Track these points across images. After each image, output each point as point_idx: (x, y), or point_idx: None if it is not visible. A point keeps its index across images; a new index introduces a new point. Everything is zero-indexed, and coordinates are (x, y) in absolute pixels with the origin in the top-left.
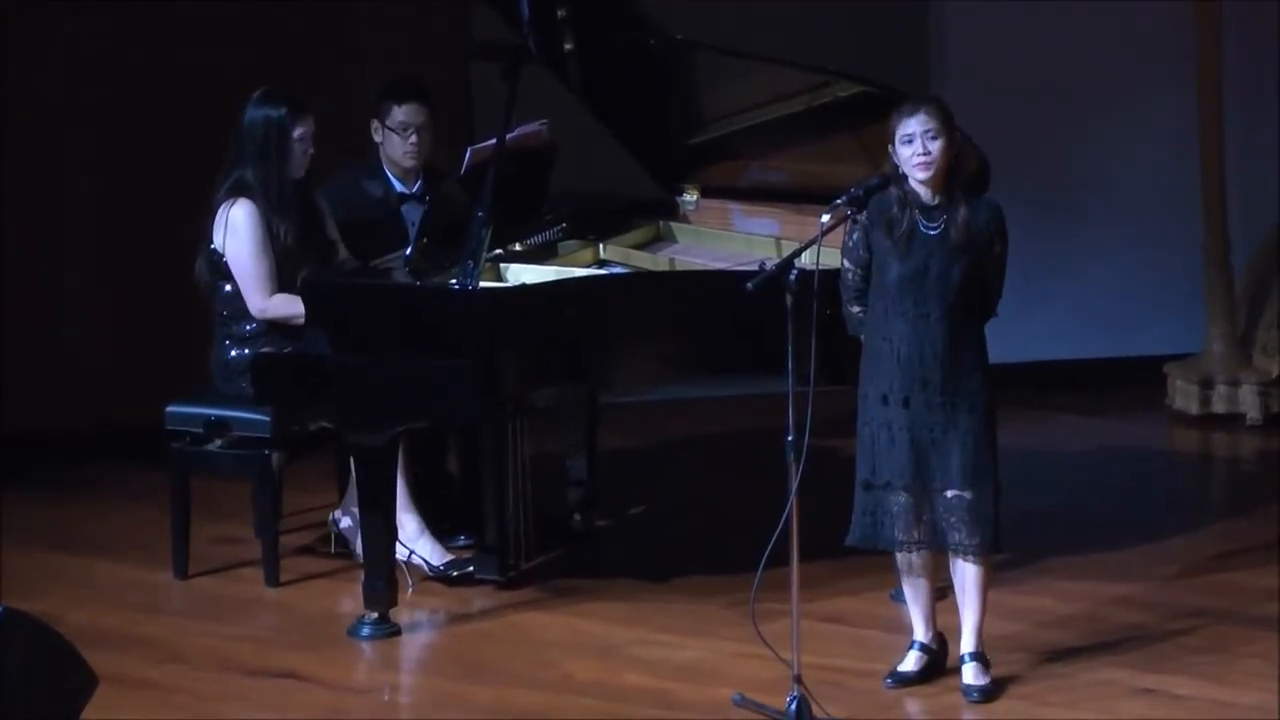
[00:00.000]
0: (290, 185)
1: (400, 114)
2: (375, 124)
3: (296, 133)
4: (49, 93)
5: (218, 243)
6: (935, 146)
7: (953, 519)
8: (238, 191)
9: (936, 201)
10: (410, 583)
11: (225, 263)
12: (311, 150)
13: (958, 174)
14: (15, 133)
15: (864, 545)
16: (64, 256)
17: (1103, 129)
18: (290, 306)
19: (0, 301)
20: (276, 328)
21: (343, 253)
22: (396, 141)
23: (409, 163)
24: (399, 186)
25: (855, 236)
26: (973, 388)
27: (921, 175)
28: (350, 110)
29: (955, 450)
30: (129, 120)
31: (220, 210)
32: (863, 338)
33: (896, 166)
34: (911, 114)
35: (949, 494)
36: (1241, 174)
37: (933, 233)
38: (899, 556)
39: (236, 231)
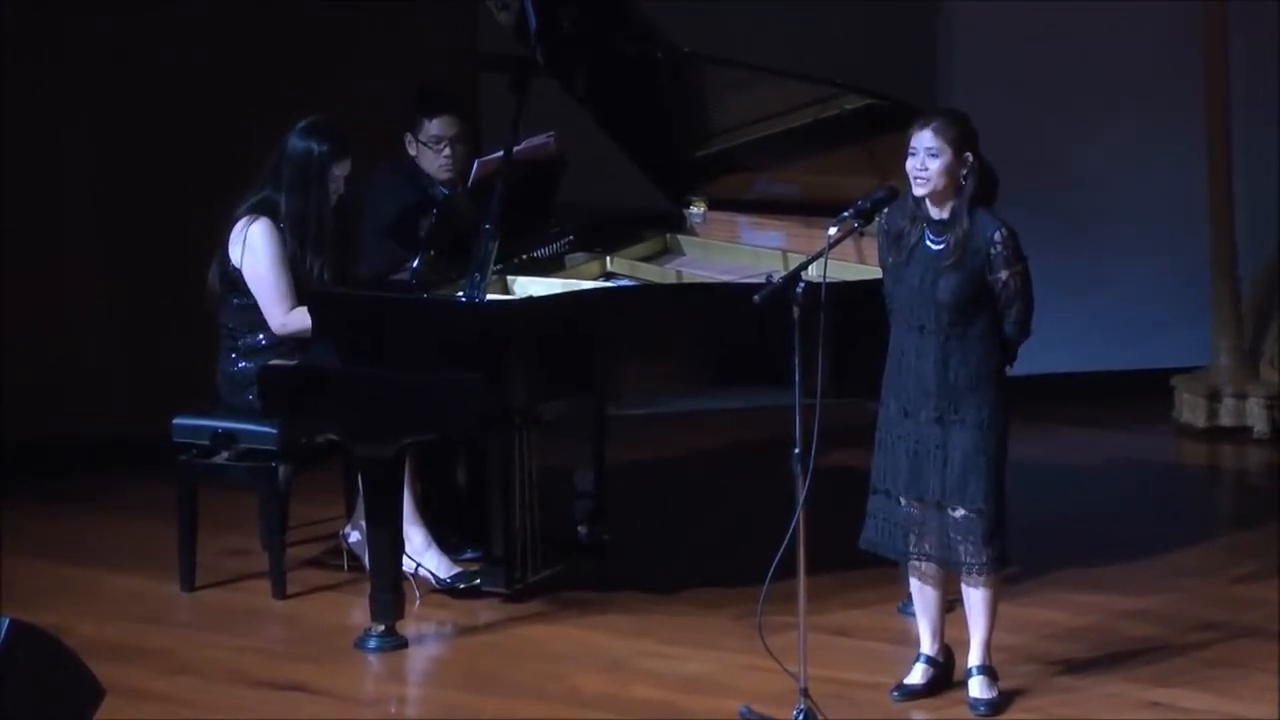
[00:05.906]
0: (330, 220)
1: (433, 128)
2: (409, 138)
3: (334, 172)
4: (51, 97)
5: (235, 258)
6: (933, 165)
7: (957, 537)
8: (259, 209)
9: (944, 217)
10: (417, 595)
11: (241, 278)
12: (342, 190)
13: (966, 192)
14: (16, 137)
15: (870, 549)
16: (65, 265)
17: (1109, 137)
18: (309, 320)
19: (2, 310)
20: (285, 341)
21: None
22: (430, 155)
23: (444, 175)
24: (443, 191)
25: (881, 246)
26: (973, 405)
27: (917, 191)
28: (356, 118)
29: (949, 466)
30: (131, 126)
31: (239, 226)
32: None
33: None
34: (922, 127)
35: (956, 513)
36: (1247, 184)
37: (936, 248)
38: (908, 567)
39: (254, 249)
